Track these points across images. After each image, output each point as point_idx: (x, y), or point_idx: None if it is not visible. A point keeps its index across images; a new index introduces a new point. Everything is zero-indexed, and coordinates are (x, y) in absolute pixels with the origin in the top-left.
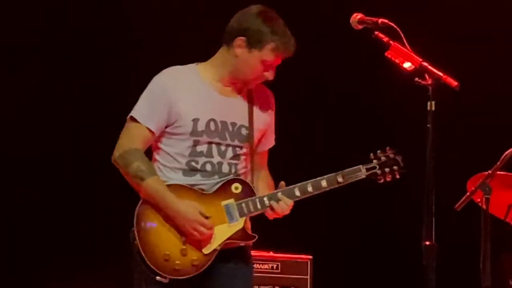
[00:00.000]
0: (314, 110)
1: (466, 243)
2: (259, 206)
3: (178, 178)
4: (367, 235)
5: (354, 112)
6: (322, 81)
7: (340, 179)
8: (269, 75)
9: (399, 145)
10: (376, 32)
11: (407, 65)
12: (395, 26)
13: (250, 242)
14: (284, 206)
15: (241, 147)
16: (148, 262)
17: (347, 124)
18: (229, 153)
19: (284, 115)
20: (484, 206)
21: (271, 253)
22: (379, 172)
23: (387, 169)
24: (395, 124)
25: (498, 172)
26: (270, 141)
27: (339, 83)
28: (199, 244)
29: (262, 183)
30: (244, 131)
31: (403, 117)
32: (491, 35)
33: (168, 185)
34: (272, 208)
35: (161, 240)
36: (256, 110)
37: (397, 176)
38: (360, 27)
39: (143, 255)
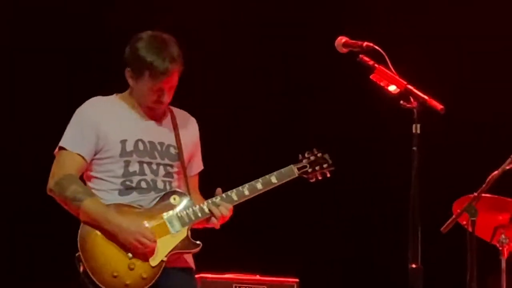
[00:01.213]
0: (298, 133)
1: (452, 265)
2: (199, 214)
3: (115, 199)
4: (353, 258)
5: (339, 135)
6: (306, 104)
7: (274, 180)
8: (163, 100)
9: (385, 168)
10: (361, 56)
11: (392, 88)
12: (380, 50)
13: (195, 251)
14: (224, 210)
15: (171, 166)
16: (97, 283)
17: (332, 148)
18: (161, 171)
19: (266, 136)
20: (470, 229)
21: (257, 276)
22: (310, 170)
23: (317, 167)
24: (380, 146)
25: (484, 195)
26: (198, 165)
27: (323, 106)
28: (145, 257)
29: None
30: (172, 150)
31: (389, 140)
32: (476, 57)
33: (108, 205)
34: (212, 214)
35: (107, 258)
36: (181, 131)
37: (328, 175)
38: (345, 50)
39: (92, 276)
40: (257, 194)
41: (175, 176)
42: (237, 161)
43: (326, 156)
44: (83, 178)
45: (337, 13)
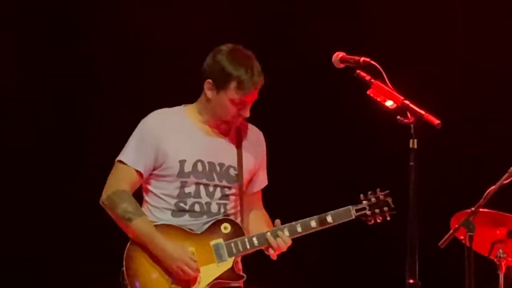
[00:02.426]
0: (297, 149)
1: (450, 280)
2: (248, 246)
3: (167, 219)
4: (351, 274)
5: (336, 150)
6: (304, 119)
7: (329, 220)
8: (244, 114)
9: (382, 183)
10: (358, 71)
11: (389, 103)
12: (376, 65)
13: (237, 284)
14: (281, 243)
15: (229, 188)
16: None
17: (330, 163)
18: (218, 193)
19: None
20: (467, 243)
21: None
22: (368, 213)
23: (377, 210)
24: (378, 162)
25: (482, 210)
26: (262, 181)
27: (321, 122)
28: (187, 285)
29: (259, 222)
30: (232, 172)
31: (386, 155)
32: (473, 72)
33: (157, 225)
34: (270, 245)
35: (149, 279)
36: (245, 150)
37: (388, 218)
38: (342, 65)
39: None
40: (309, 232)
41: (232, 198)
42: None
43: (389, 199)
44: (141, 190)
45: (334, 28)
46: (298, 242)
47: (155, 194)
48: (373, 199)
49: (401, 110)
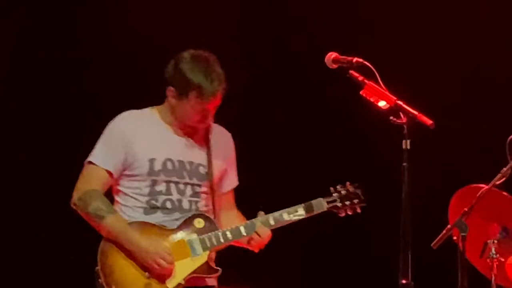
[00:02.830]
0: (288, 148)
1: (442, 281)
2: (222, 240)
3: (139, 217)
4: (343, 273)
5: (329, 151)
6: (297, 120)
7: (301, 212)
8: (207, 120)
9: (375, 183)
10: (351, 71)
11: (382, 103)
12: (369, 65)
13: (215, 276)
14: (258, 238)
15: (200, 185)
16: None
17: (323, 164)
18: (189, 191)
19: (257, 152)
20: (460, 244)
21: None
22: (339, 205)
23: (347, 202)
24: (371, 162)
25: (480, 185)
26: (232, 181)
27: (314, 123)
28: (163, 279)
29: (232, 221)
30: (202, 170)
31: (379, 156)
32: (465, 71)
33: (130, 223)
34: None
35: (125, 276)
36: (214, 149)
37: (358, 210)
38: (335, 66)
39: None
40: (282, 225)
41: (203, 195)
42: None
43: (359, 191)
44: (111, 191)
45: (328, 28)
46: (289, 242)
47: (126, 194)
48: (343, 191)
49: (394, 110)
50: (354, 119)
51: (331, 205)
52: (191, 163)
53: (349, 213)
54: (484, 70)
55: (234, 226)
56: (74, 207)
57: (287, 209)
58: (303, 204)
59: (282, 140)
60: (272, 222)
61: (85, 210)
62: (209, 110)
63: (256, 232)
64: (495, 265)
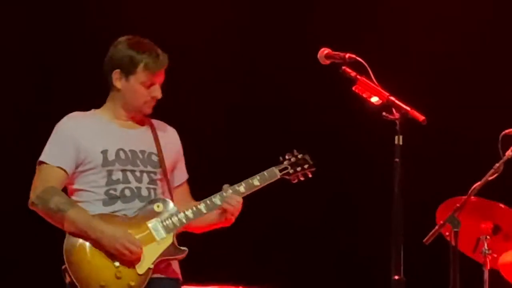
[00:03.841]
0: (281, 145)
1: (435, 276)
2: (184, 220)
3: (99, 209)
4: (336, 270)
5: (321, 147)
6: (288, 115)
7: (256, 183)
8: (156, 94)
9: (368, 179)
10: (344, 67)
11: (374, 99)
12: (362, 61)
13: (181, 257)
14: (230, 207)
15: (155, 173)
16: None
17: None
18: (145, 178)
19: (253, 148)
20: (452, 240)
21: None
22: (291, 171)
23: (298, 168)
24: (363, 158)
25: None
26: (183, 173)
27: (306, 117)
28: (132, 265)
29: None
30: (154, 158)
31: (371, 151)
32: (458, 67)
33: (92, 216)
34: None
35: (93, 268)
36: (162, 140)
37: (309, 175)
38: (328, 62)
39: None
40: (243, 196)
41: (159, 183)
42: (221, 163)
43: (307, 157)
44: (67, 193)
45: (322, 24)
46: (279, 238)
47: (83, 190)
48: (292, 159)
49: (387, 106)
50: (347, 115)
51: (283, 172)
52: (143, 151)
53: (301, 179)
54: (478, 66)
55: (193, 207)
56: (32, 207)
57: (243, 182)
58: (257, 175)
59: (274, 134)
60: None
61: (46, 207)
62: (156, 83)
63: (227, 202)
64: (488, 261)
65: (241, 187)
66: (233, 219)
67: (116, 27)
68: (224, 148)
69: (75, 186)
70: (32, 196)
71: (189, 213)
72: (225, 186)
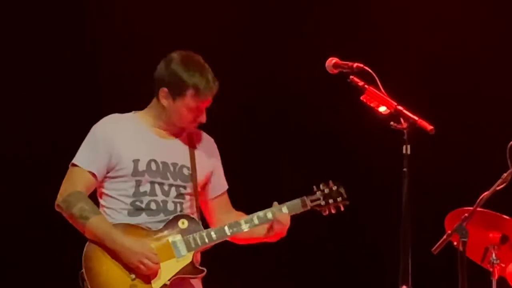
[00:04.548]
0: (289, 155)
1: (443, 286)
2: (206, 240)
3: (124, 219)
4: (344, 279)
5: (329, 156)
6: (297, 124)
7: (285, 210)
8: (201, 120)
9: (375, 188)
10: (352, 77)
11: (382, 109)
12: (370, 71)
13: (199, 277)
14: (278, 225)
15: (184, 187)
16: None
17: (322, 169)
18: (173, 192)
19: (260, 157)
20: (460, 249)
21: None
22: (323, 203)
23: (331, 201)
24: (371, 168)
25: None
26: (221, 185)
27: (314, 126)
28: (148, 280)
29: (233, 218)
30: (186, 171)
31: (379, 161)
32: (466, 77)
33: (115, 225)
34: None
35: (110, 278)
36: (197, 152)
37: (342, 208)
38: (336, 71)
39: None
40: (266, 223)
41: (187, 197)
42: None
43: (342, 189)
44: (96, 195)
45: (327, 33)
46: (293, 248)
47: (111, 196)
48: (326, 190)
49: (395, 116)
50: (355, 124)
51: (314, 203)
52: (175, 164)
53: (333, 211)
54: (485, 75)
55: (218, 227)
56: (58, 209)
57: (270, 209)
58: (286, 203)
59: (281, 145)
60: (256, 221)
61: (70, 211)
62: (202, 110)
63: (277, 219)
64: (496, 270)
65: (255, 219)
66: (276, 238)
67: (117, 30)
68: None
69: (104, 190)
70: (59, 198)
71: (212, 232)
72: (275, 203)
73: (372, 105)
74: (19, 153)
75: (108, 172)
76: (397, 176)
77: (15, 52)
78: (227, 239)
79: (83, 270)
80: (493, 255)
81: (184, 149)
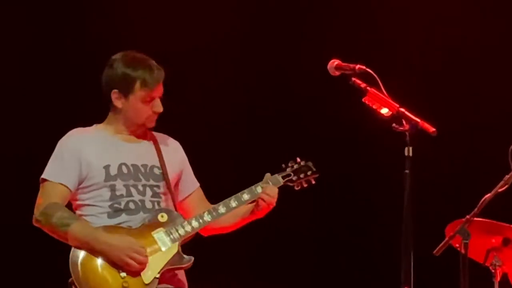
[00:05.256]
0: (289, 156)
1: None
2: (188, 229)
3: (104, 222)
4: (345, 281)
5: (331, 157)
6: (299, 126)
7: (259, 190)
8: (157, 109)
9: (378, 190)
10: (354, 78)
11: (384, 111)
12: (372, 72)
13: (187, 266)
14: (267, 197)
15: (158, 186)
16: None
17: (324, 170)
18: (148, 192)
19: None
20: (462, 251)
21: None
22: (294, 178)
23: (301, 175)
24: (372, 169)
25: (476, 219)
26: (193, 182)
27: (315, 128)
28: (138, 274)
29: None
30: (157, 171)
31: (381, 163)
32: (469, 79)
33: (96, 228)
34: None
35: (100, 281)
36: (165, 152)
37: (313, 182)
38: (338, 73)
39: None
40: (243, 205)
41: (163, 196)
42: (222, 175)
43: (310, 163)
44: (71, 208)
45: (330, 35)
46: (292, 250)
47: (87, 204)
48: (295, 166)
49: (397, 117)
50: (357, 126)
51: (286, 179)
52: (145, 165)
53: (305, 185)
54: (488, 76)
55: (197, 215)
56: (37, 224)
57: (245, 190)
58: (259, 183)
59: (281, 146)
60: (233, 204)
61: (49, 222)
62: (156, 99)
63: (265, 193)
64: (498, 273)
65: (244, 195)
66: (263, 214)
67: (118, 36)
68: (227, 154)
69: (79, 202)
70: (36, 213)
71: (192, 221)
72: (267, 174)
73: (374, 107)
74: (19, 153)
75: (80, 183)
76: (399, 178)
77: (15, 52)
78: (209, 227)
79: (72, 277)
80: (495, 257)
81: (152, 150)
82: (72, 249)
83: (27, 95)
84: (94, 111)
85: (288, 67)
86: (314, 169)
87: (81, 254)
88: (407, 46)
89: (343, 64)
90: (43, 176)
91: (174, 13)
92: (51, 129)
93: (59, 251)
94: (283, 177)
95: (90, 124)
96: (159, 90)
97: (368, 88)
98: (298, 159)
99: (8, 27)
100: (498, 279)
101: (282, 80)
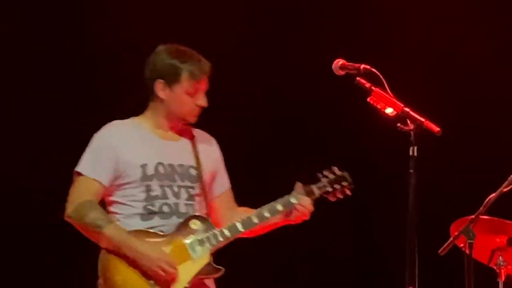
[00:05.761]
0: (295, 156)
1: None
2: (220, 238)
3: (137, 224)
4: (349, 281)
5: (336, 157)
6: (303, 126)
7: (294, 201)
8: (202, 102)
9: (382, 190)
10: (358, 78)
11: (389, 110)
12: (377, 72)
13: (217, 276)
14: (301, 208)
15: (193, 187)
16: None
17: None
18: (183, 194)
19: (267, 158)
20: (467, 251)
21: None
22: (330, 189)
23: (337, 186)
24: (377, 169)
25: (481, 217)
26: (224, 183)
27: (320, 128)
28: (167, 285)
29: (239, 215)
30: (192, 171)
31: (386, 162)
32: (473, 78)
33: (128, 232)
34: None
35: (128, 286)
36: (201, 152)
37: (348, 193)
38: (342, 73)
39: None
40: (276, 215)
41: (197, 198)
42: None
43: (346, 174)
44: (104, 202)
45: (335, 34)
46: (300, 250)
47: (121, 203)
48: (331, 176)
49: (401, 117)
50: (361, 126)
51: (322, 190)
52: (181, 166)
53: (340, 196)
54: (493, 78)
55: (230, 224)
56: (68, 220)
57: (279, 200)
58: (293, 192)
59: (287, 147)
60: (267, 214)
61: (82, 221)
62: (200, 92)
63: (300, 204)
64: (503, 273)
65: (278, 205)
66: (299, 220)
67: (118, 36)
68: (228, 155)
69: (113, 198)
70: (69, 209)
71: (225, 230)
72: (298, 184)
73: (378, 106)
74: (18, 153)
75: (115, 180)
76: (403, 177)
77: (15, 52)
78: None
79: (100, 279)
80: (500, 257)
81: (189, 149)
82: (103, 251)
83: (27, 95)
84: (94, 111)
85: (288, 67)
86: (350, 180)
87: (112, 257)
88: (407, 46)
89: (348, 63)
90: (77, 169)
91: (174, 13)
92: (51, 129)
93: (90, 249)
94: (319, 188)
95: (90, 124)
96: (205, 83)
97: (372, 88)
98: (334, 169)
99: (8, 27)
100: (503, 279)
101: (286, 80)
